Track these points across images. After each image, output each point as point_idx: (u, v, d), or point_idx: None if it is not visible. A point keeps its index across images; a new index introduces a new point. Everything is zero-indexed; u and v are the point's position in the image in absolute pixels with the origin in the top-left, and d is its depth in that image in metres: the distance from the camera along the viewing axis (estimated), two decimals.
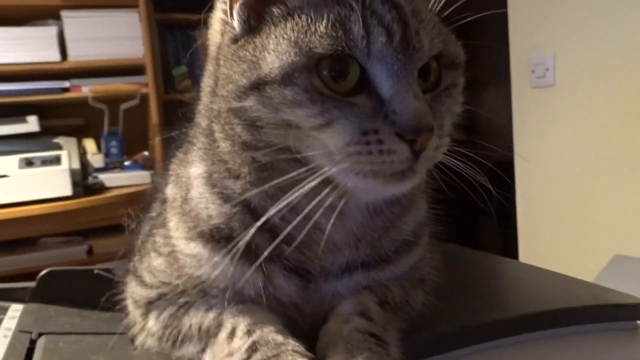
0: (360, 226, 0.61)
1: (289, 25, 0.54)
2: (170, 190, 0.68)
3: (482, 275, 0.91)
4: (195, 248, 0.61)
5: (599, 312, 0.70)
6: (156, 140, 2.63)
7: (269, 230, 0.58)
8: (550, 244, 2.29)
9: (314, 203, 0.53)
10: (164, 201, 0.70)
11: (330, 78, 0.52)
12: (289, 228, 0.54)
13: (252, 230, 0.55)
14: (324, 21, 0.52)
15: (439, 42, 0.57)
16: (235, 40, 0.57)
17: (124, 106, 2.56)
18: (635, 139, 1.95)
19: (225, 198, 0.61)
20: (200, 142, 0.64)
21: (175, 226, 0.64)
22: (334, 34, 0.51)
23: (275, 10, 0.55)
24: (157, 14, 2.79)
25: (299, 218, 0.54)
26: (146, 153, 2.66)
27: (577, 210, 2.18)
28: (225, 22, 0.60)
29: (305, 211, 0.53)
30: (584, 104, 2.11)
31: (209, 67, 0.63)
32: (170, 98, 2.82)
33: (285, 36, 0.53)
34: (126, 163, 2.57)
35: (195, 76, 2.84)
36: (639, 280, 1.57)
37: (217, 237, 0.60)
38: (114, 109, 2.55)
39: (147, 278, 0.68)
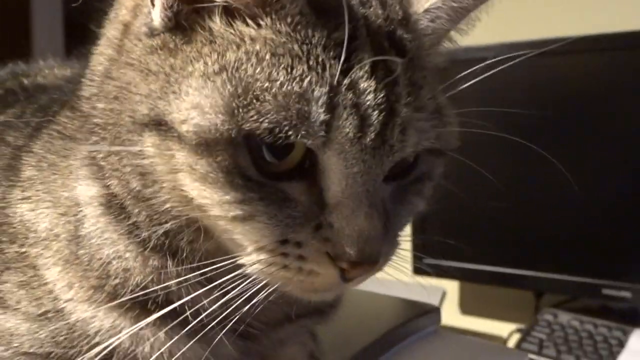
0: None
1: (230, 60, 0.37)
2: (36, 218, 0.46)
3: None
4: (108, 318, 0.44)
5: (404, 331, 0.72)
6: None
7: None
8: None
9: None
10: (11, 230, 0.47)
11: (263, 157, 0.38)
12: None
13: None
14: (279, 82, 0.36)
15: (430, 138, 0.42)
16: (150, 33, 0.41)
17: None
18: None
19: (144, 239, 0.44)
20: (83, 140, 0.46)
21: (66, 283, 0.45)
22: (284, 112, 0.36)
23: (217, 26, 0.39)
24: None
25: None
26: None
27: None
28: None
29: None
30: None
31: (111, 32, 0.46)
32: None
33: (217, 83, 0.37)
34: None
35: None
36: None
37: (142, 301, 0.44)
38: None
39: None
